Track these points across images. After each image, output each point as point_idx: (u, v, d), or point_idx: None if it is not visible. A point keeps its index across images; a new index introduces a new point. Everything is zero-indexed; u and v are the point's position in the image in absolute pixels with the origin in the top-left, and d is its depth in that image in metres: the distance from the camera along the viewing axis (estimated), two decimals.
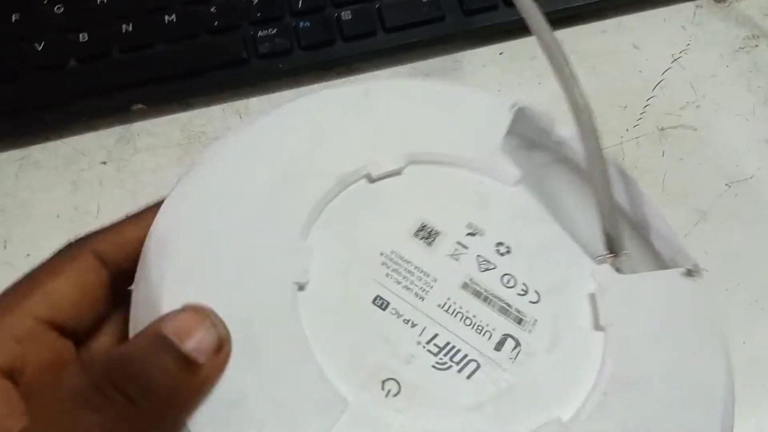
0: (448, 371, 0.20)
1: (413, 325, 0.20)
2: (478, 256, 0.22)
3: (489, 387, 0.20)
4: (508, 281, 0.22)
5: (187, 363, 0.17)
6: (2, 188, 0.33)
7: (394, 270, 0.21)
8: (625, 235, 0.24)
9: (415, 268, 0.22)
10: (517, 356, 0.21)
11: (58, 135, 0.34)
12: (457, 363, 0.20)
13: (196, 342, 0.17)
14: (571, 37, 0.36)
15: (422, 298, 0.21)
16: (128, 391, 0.16)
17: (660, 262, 0.24)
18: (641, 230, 0.25)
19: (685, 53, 0.36)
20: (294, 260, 0.20)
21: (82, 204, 0.33)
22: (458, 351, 0.20)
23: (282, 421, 0.18)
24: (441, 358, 0.20)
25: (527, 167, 0.25)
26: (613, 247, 0.24)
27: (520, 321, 0.21)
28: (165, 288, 0.19)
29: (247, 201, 0.21)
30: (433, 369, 0.20)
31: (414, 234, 0.22)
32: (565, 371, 0.21)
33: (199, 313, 0.18)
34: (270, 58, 0.35)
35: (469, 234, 0.23)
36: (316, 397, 0.18)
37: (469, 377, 0.20)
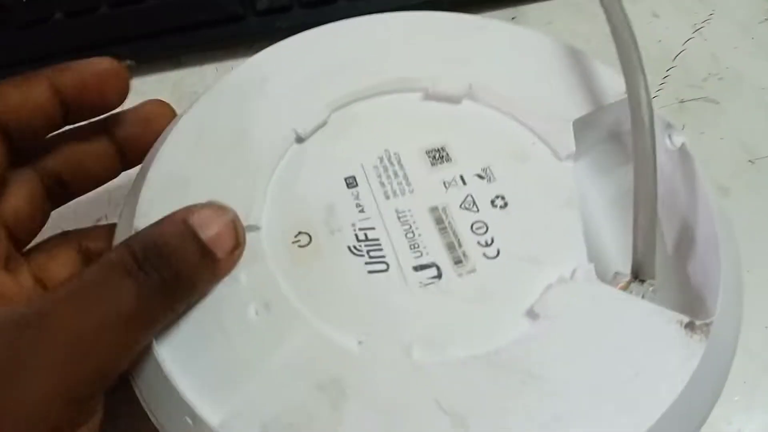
0: (356, 257, 0.21)
1: (361, 211, 0.22)
2: (469, 195, 0.22)
3: (380, 289, 0.20)
4: (479, 228, 0.21)
5: (207, 253, 0.19)
6: None
7: (384, 166, 0.22)
8: (656, 262, 0.21)
9: (404, 175, 0.22)
10: (428, 285, 0.20)
11: None
12: (370, 257, 0.21)
13: (216, 235, 0.19)
14: (588, 3, 0.34)
15: (387, 198, 0.22)
16: (161, 270, 0.18)
17: (680, 290, 0.20)
18: (679, 242, 0.21)
19: (708, 23, 0.34)
20: (305, 119, 0.23)
21: None
22: (379, 250, 0.21)
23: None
24: (359, 245, 0.21)
25: (590, 151, 0.23)
26: (638, 271, 0.21)
27: (458, 262, 0.21)
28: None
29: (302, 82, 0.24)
30: (347, 249, 0.21)
31: (427, 151, 0.23)
32: (460, 326, 0.19)
33: (222, 210, 0.20)
34: (268, 15, 0.33)
35: (478, 175, 0.22)
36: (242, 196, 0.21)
37: (369, 273, 0.20)
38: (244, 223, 0.20)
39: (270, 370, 0.18)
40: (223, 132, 0.23)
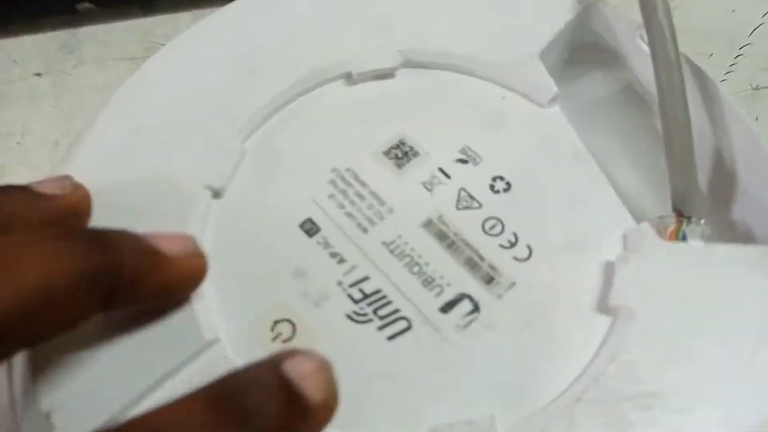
0: (365, 325, 0.15)
1: (341, 261, 0.16)
2: (461, 189, 0.17)
3: (413, 357, 0.15)
4: (493, 227, 0.16)
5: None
6: None
7: (342, 191, 0.17)
8: (701, 197, 0.17)
9: (370, 192, 0.17)
10: (469, 325, 0.15)
11: None
12: (381, 318, 0.15)
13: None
14: None
15: (365, 231, 0.16)
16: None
17: (742, 234, 0.17)
18: (724, 188, 0.17)
19: None
20: (215, 161, 0.17)
21: (5, 124, 0.26)
22: (388, 303, 0.15)
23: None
24: (361, 307, 0.15)
25: (573, 88, 0.19)
26: (683, 208, 0.17)
27: (490, 280, 0.16)
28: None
29: (196, 95, 0.18)
30: (347, 319, 0.15)
31: (385, 152, 0.18)
32: (531, 363, 0.15)
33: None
34: None
35: (459, 161, 0.17)
36: (186, 331, 0.15)
37: (390, 338, 0.15)
38: (196, 335, 0.14)
39: None
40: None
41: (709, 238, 0.17)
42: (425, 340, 0.15)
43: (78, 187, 0.15)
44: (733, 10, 0.27)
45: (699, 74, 0.18)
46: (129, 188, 0.16)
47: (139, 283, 0.13)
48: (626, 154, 0.19)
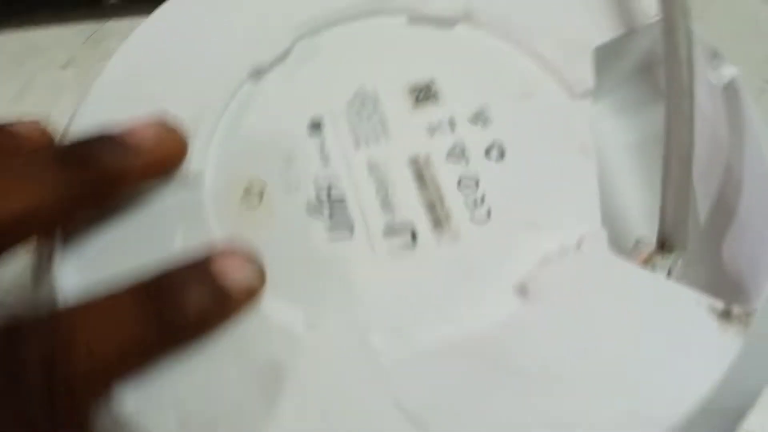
0: (314, 218, 0.17)
1: (326, 164, 0.18)
2: (456, 143, 0.18)
3: (336, 259, 0.17)
4: (468, 184, 0.17)
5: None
6: None
7: (357, 107, 0.19)
8: (686, 232, 0.16)
9: (380, 118, 0.18)
10: (398, 254, 0.17)
11: (13, 25, 0.28)
12: (332, 221, 0.17)
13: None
14: None
15: (358, 146, 0.18)
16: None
17: (729, 274, 0.16)
18: (717, 208, 0.17)
19: None
20: (264, 47, 0.19)
21: (28, 116, 0.25)
22: (343, 210, 0.17)
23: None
24: (319, 206, 0.17)
25: (613, 87, 0.18)
26: (665, 239, 0.17)
27: (438, 225, 0.17)
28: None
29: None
30: (304, 210, 0.17)
31: (411, 88, 0.19)
32: (436, 304, 0.16)
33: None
34: None
35: (470, 119, 0.18)
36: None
37: (330, 241, 0.17)
38: (184, 171, 0.17)
39: (198, 351, 0.15)
40: (169, 58, 0.19)
41: (679, 275, 0.16)
42: (357, 251, 0.17)
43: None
44: None
45: (733, 93, 0.17)
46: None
47: (119, 183, 0.16)
48: (641, 173, 0.19)
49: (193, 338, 0.15)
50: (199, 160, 0.17)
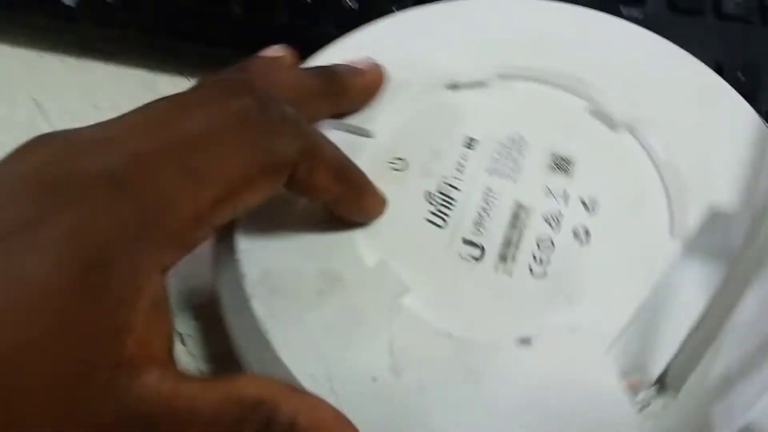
0: (425, 203, 0.22)
1: (460, 171, 0.22)
2: (559, 212, 0.22)
3: (422, 234, 0.21)
4: (546, 246, 0.21)
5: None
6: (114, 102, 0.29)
7: (508, 146, 0.23)
8: (685, 378, 0.19)
9: (519, 162, 0.23)
10: (467, 259, 0.21)
11: (190, 72, 0.31)
12: (437, 210, 0.22)
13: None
14: None
15: (489, 173, 0.22)
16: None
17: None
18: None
19: None
20: (468, 69, 0.24)
21: None
22: (448, 208, 0.22)
23: None
24: (435, 195, 0.22)
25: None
26: (666, 378, 0.19)
27: (503, 258, 0.21)
28: None
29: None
30: (422, 191, 0.22)
31: (555, 154, 0.23)
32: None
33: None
34: None
35: (583, 203, 0.22)
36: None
37: (426, 220, 0.22)
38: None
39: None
40: (390, 55, 0.25)
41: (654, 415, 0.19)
42: (440, 238, 0.21)
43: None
44: None
45: None
46: None
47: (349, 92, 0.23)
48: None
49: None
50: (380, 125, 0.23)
